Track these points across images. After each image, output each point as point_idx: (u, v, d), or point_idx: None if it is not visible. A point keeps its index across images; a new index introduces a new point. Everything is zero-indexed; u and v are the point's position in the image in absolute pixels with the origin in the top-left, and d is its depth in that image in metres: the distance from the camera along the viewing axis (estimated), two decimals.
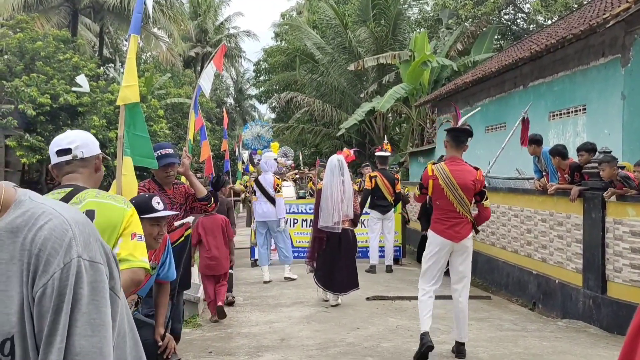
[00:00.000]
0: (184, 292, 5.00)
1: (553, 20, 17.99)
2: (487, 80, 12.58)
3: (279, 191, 8.84)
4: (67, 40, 17.59)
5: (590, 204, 6.37)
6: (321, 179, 7.82)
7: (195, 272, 7.22)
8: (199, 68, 35.48)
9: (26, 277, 1.12)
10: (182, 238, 4.49)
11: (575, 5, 17.82)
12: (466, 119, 5.18)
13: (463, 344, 4.92)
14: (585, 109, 9.23)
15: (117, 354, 1.22)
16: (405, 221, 11.27)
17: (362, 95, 22.16)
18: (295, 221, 10.57)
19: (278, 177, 9.59)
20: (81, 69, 15.61)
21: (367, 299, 7.44)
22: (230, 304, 7.06)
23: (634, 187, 5.90)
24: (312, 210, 9.13)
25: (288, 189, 12.92)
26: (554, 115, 10.18)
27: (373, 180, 9.67)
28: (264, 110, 45.32)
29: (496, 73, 11.78)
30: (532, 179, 8.18)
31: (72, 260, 1.13)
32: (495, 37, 21.21)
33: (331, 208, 6.84)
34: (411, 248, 12.65)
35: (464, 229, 4.91)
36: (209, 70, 7.46)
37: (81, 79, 5.62)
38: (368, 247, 9.82)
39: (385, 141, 11.29)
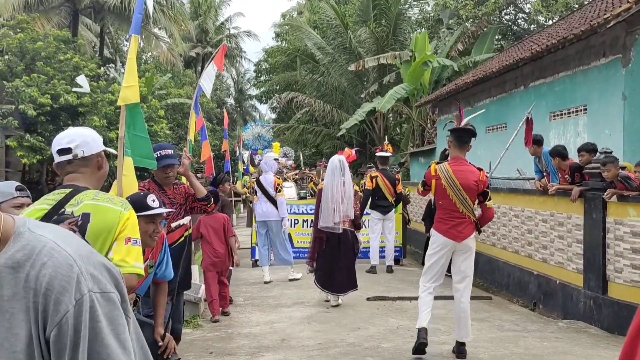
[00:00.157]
0: (185, 292, 4.99)
1: (554, 21, 17.99)
2: (488, 81, 12.57)
3: (280, 190, 8.84)
4: (68, 40, 17.61)
5: (591, 205, 6.37)
6: (322, 179, 7.82)
7: (195, 272, 7.22)
8: (200, 68, 35.50)
9: (34, 316, 1.11)
10: (182, 238, 4.49)
11: (576, 6, 17.81)
12: (470, 119, 5.18)
13: (464, 344, 4.92)
14: (586, 109, 9.22)
15: None
16: (405, 221, 11.27)
17: (362, 96, 22.15)
18: (296, 222, 10.56)
19: (279, 177, 9.60)
20: (82, 69, 15.62)
21: (368, 299, 7.43)
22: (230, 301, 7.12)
23: (634, 187, 5.89)
24: (312, 211, 9.12)
25: (289, 190, 12.93)
26: (554, 116, 10.18)
27: (374, 181, 9.67)
28: (264, 110, 45.33)
29: (497, 73, 11.78)
30: (533, 179, 8.17)
31: (84, 296, 1.11)
32: (496, 37, 21.20)
33: (331, 208, 6.84)
34: (412, 248, 12.65)
35: (466, 229, 4.92)
36: (210, 70, 7.46)
37: (81, 80, 5.62)
38: (368, 247, 9.82)
39: (386, 141, 11.28)
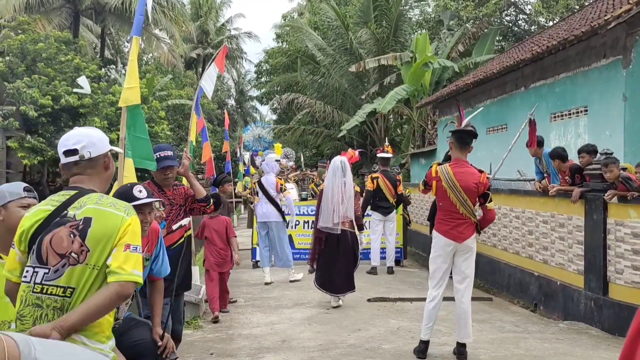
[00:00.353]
0: (185, 293, 5.00)
1: (554, 22, 17.99)
2: (489, 82, 12.57)
3: (284, 190, 8.87)
4: (69, 41, 17.64)
5: (592, 206, 6.37)
6: (323, 180, 7.84)
7: (196, 273, 7.24)
8: (201, 69, 35.53)
9: None
10: (182, 239, 4.49)
11: (577, 7, 17.81)
12: (469, 119, 5.18)
13: (464, 345, 4.92)
14: (586, 111, 9.22)
15: None
16: (406, 222, 11.27)
17: (363, 97, 22.15)
18: (297, 223, 10.57)
19: (280, 178, 9.60)
20: (82, 70, 15.66)
21: (369, 300, 7.43)
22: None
23: (635, 188, 5.89)
24: (313, 212, 9.13)
25: (291, 191, 12.91)
26: (555, 117, 10.17)
27: (375, 182, 9.68)
28: (265, 111, 45.34)
29: (497, 74, 11.78)
30: (534, 180, 8.17)
31: None
32: (497, 38, 21.19)
33: (331, 209, 6.86)
34: (412, 249, 12.65)
35: (467, 230, 4.93)
36: (211, 71, 7.48)
37: (82, 81, 5.64)
38: (369, 248, 9.82)
39: (387, 143, 11.28)
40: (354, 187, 7.18)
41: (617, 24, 7.75)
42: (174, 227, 4.38)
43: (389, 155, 10.24)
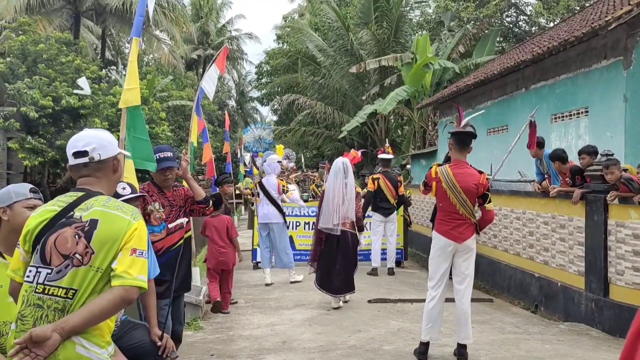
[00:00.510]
0: (185, 294, 4.99)
1: (555, 23, 17.99)
2: (489, 83, 12.57)
3: (287, 191, 8.87)
4: (69, 42, 17.65)
5: (593, 207, 6.36)
6: (325, 181, 7.85)
7: (196, 274, 7.25)
8: (201, 70, 35.56)
9: None
10: (182, 240, 4.48)
11: (577, 8, 17.82)
12: (470, 119, 5.17)
13: (465, 346, 4.92)
14: (587, 112, 9.21)
15: None
16: (407, 224, 11.26)
17: (364, 98, 22.15)
18: (298, 224, 10.56)
19: (282, 179, 9.60)
20: (83, 71, 15.67)
21: (369, 301, 7.42)
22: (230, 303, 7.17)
23: (637, 189, 5.88)
24: (314, 214, 9.12)
25: (293, 192, 12.90)
26: (556, 118, 10.17)
27: (376, 182, 9.67)
28: (265, 112, 45.36)
29: (498, 75, 11.78)
30: (534, 181, 8.16)
31: None
32: (497, 39, 21.20)
33: (332, 210, 6.87)
34: (413, 251, 12.65)
35: (467, 230, 4.93)
36: (212, 72, 7.49)
37: (83, 82, 5.64)
38: (370, 249, 9.81)
39: (387, 144, 11.27)
40: (355, 188, 7.19)
41: (617, 25, 7.75)
42: (170, 225, 4.37)
43: (390, 156, 10.23)
